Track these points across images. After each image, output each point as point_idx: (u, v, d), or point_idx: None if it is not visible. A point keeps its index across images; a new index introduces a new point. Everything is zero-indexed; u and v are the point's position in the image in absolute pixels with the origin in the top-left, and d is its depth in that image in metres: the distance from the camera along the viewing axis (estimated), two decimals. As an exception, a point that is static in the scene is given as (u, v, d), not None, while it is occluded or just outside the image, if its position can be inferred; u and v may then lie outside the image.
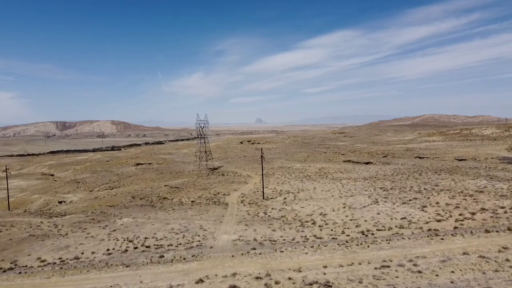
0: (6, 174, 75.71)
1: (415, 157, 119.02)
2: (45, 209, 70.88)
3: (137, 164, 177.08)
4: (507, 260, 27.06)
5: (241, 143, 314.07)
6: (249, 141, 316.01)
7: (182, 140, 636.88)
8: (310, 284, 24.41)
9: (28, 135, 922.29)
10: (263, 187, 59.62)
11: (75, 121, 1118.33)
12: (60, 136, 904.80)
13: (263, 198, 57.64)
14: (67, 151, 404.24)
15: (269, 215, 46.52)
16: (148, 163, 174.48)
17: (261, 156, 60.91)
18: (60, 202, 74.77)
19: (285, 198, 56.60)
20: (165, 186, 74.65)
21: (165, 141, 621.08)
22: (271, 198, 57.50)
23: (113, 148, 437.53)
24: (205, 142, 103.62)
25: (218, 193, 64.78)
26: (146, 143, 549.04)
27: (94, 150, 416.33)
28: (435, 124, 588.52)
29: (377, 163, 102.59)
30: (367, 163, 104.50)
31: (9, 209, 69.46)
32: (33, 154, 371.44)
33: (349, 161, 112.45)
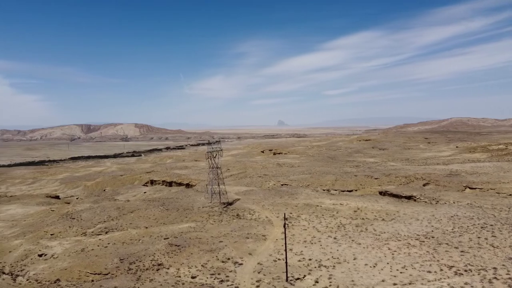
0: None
1: (465, 187, 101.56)
2: (18, 267, 58.13)
3: (150, 182, 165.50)
4: None
5: (262, 152, 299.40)
6: (271, 149, 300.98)
7: (203, 144, 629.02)
8: None
9: (54, 138, 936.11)
10: (286, 266, 44.59)
11: (99, 123, 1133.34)
12: (84, 139, 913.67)
13: (287, 278, 42.77)
14: (88, 157, 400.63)
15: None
16: (162, 181, 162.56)
17: (284, 224, 45.93)
18: (40, 256, 61.95)
19: (317, 281, 41.63)
20: (165, 239, 60.68)
21: (186, 145, 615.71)
22: (298, 279, 42.58)
23: (133, 154, 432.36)
24: (217, 174, 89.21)
25: (228, 259, 50.23)
26: (167, 148, 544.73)
27: (114, 156, 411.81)
28: (466, 130, 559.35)
29: (421, 198, 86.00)
30: (409, 198, 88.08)
31: (-26, 269, 57.03)
32: (53, 161, 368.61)
33: (386, 192, 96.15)
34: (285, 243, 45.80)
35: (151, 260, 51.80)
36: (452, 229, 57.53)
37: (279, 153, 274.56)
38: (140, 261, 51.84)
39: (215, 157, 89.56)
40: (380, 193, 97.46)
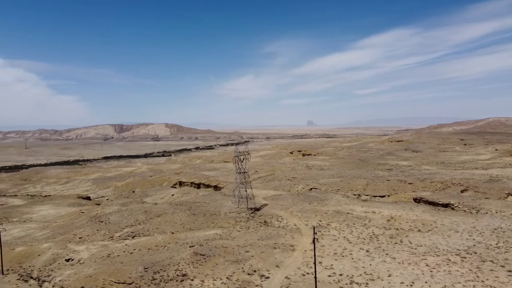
0: (0, 233, 63.96)
1: (507, 195, 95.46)
2: (45, 272, 58.19)
3: (179, 184, 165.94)
4: None
5: (291, 153, 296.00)
6: (300, 151, 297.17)
7: (232, 144, 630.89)
8: None
9: (88, 137, 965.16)
10: (315, 282, 42.03)
11: (131, 123, 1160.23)
12: (117, 138, 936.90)
13: (316, 296, 40.26)
14: (120, 157, 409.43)
15: None
16: (190, 183, 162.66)
17: (314, 239, 43.36)
18: (67, 260, 61.94)
19: (348, 301, 38.91)
20: (190, 247, 59.23)
21: (215, 145, 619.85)
22: (327, 297, 40.04)
23: (163, 154, 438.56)
24: (245, 178, 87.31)
25: (255, 271, 48.13)
26: (197, 148, 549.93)
27: (145, 156, 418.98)
28: (505, 131, 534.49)
29: (460, 206, 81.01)
30: (446, 206, 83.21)
31: (2, 273, 57.48)
32: (87, 160, 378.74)
33: (421, 199, 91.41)
34: (314, 261, 43.18)
35: (176, 270, 50.38)
36: (497, 243, 53.18)
37: (308, 155, 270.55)
38: (164, 271, 50.53)
39: (242, 161, 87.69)
40: (415, 200, 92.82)
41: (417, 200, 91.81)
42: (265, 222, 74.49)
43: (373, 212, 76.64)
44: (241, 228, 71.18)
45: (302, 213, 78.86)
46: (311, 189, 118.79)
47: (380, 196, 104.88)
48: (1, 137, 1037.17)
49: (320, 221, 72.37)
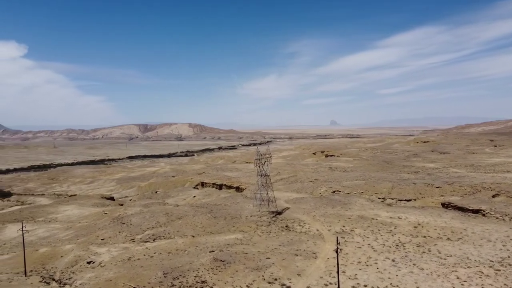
0: (23, 233, 64.65)
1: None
2: (67, 274, 58.45)
3: (201, 184, 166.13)
4: None
5: (314, 154, 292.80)
6: (323, 151, 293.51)
7: (254, 144, 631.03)
8: None
9: (114, 137, 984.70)
10: (338, 288, 40.27)
11: (155, 123, 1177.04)
12: (142, 138, 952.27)
13: (339, 309, 38.52)
14: (144, 157, 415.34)
15: None
16: (212, 184, 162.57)
17: (337, 249, 41.61)
18: (88, 263, 62.16)
19: (373, 315, 37.02)
20: (210, 252, 58.34)
21: (238, 145, 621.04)
22: (351, 310, 38.23)
23: (186, 154, 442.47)
24: (266, 181, 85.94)
25: (275, 279, 46.73)
26: (219, 148, 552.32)
27: (169, 156, 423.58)
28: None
29: (491, 212, 77.25)
30: (477, 212, 79.54)
31: (25, 274, 58.06)
32: (112, 160, 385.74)
33: (449, 204, 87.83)
34: (338, 272, 41.42)
35: (195, 276, 49.51)
36: (533, 255, 49.98)
37: (331, 155, 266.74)
38: (183, 277, 49.74)
39: (264, 164, 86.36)
40: (443, 205, 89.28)
41: (446, 205, 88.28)
42: (286, 226, 72.94)
43: (399, 218, 73.95)
44: (262, 233, 69.89)
45: (324, 218, 76.89)
46: (334, 192, 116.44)
47: (406, 200, 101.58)
48: (31, 136, 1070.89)
49: (344, 226, 70.30)
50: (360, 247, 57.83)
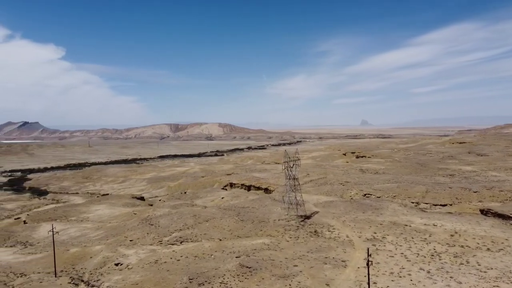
0: (53, 235, 65.74)
1: None
2: (95, 276, 59.01)
3: (230, 185, 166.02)
4: None
5: (344, 154, 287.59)
6: (353, 152, 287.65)
7: (284, 144, 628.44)
8: None
9: (146, 136, 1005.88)
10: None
11: (186, 123, 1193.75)
12: (173, 137, 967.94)
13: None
14: (174, 156, 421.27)
15: None
16: (240, 185, 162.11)
17: (368, 261, 39.56)
18: (116, 265, 62.56)
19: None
20: (237, 258, 57.36)
21: (267, 145, 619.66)
22: (383, 326, 36.16)
23: (216, 154, 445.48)
24: (295, 185, 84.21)
25: (303, 289, 45.15)
26: (249, 148, 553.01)
27: (199, 155, 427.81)
28: None
29: (536, 220, 72.46)
30: (520, 220, 74.76)
31: (55, 275, 58.98)
32: (144, 159, 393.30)
33: (489, 211, 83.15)
34: (368, 284, 39.40)
35: (220, 283, 48.63)
36: None
37: (362, 157, 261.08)
38: (208, 283, 48.97)
39: (292, 166, 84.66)
40: (482, 211, 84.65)
41: (484, 212, 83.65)
42: (315, 232, 71.02)
43: (434, 225, 70.50)
44: (290, 238, 68.30)
45: (355, 223, 74.41)
46: (365, 195, 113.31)
47: (441, 206, 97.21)
48: (68, 135, 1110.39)
49: (375, 233, 67.68)
50: (392, 256, 55.28)
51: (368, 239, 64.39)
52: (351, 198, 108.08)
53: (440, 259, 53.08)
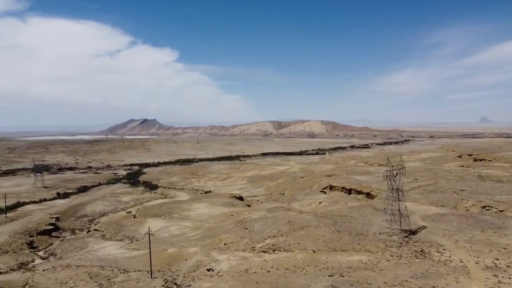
0: (149, 236, 68.21)
1: None
2: (187, 280, 59.75)
3: (329, 188, 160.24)
4: None
5: (459, 157, 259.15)
6: (470, 154, 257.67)
7: (390, 143, 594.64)
8: None
9: (249, 133, 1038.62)
10: None
11: (289, 121, 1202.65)
12: (275, 135, 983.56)
13: None
14: (276, 154, 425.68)
15: None
16: (341, 188, 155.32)
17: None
18: (208, 270, 62.75)
19: None
20: (329, 277, 52.93)
21: (371, 144, 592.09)
22: None
23: (317, 152, 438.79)
24: (398, 196, 76.10)
25: (403, 325, 39.17)
26: (352, 146, 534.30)
27: (300, 153, 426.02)
28: None
29: None
30: None
31: (151, 276, 61.07)
32: (247, 156, 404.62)
33: None
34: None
35: (309, 306, 44.96)
36: None
37: (481, 160, 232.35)
38: (297, 304, 45.64)
39: (395, 176, 76.72)
40: None
41: None
42: (421, 251, 62.90)
43: None
44: (391, 257, 61.44)
45: (471, 245, 64.25)
46: (484, 207, 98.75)
47: None
48: (180, 132, 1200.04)
49: (497, 259, 57.31)
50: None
51: (487, 267, 54.64)
52: (467, 211, 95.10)
53: None
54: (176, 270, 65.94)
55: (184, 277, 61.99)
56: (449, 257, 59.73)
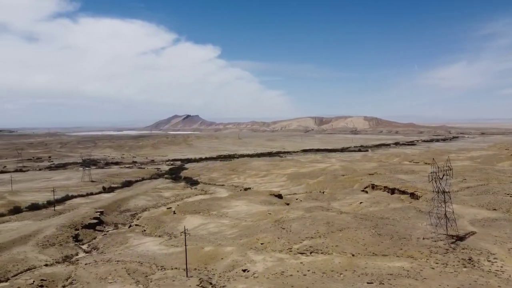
0: (185, 235, 68.28)
1: None
2: (222, 280, 59.36)
3: (371, 187, 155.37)
4: None
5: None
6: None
7: (437, 140, 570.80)
8: None
9: (291, 129, 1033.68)
10: None
11: (330, 116, 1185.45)
12: (317, 131, 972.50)
13: None
14: (317, 150, 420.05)
15: None
16: (383, 187, 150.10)
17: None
18: (243, 271, 62.07)
19: None
20: (368, 284, 50.58)
21: (417, 141, 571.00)
22: None
23: (360, 149, 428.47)
24: (445, 199, 71.76)
25: None
26: (396, 143, 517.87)
27: (342, 150, 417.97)
28: None
29: None
30: None
31: (186, 274, 61.22)
32: (287, 152, 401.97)
33: None
34: None
35: (346, 314, 43.04)
36: None
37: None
38: (333, 312, 43.86)
39: (442, 178, 72.42)
40: None
41: None
42: (469, 260, 58.85)
43: None
44: (436, 264, 57.92)
45: (526, 254, 59.35)
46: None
47: None
48: (222, 127, 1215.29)
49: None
50: None
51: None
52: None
53: None
54: (212, 269, 65.82)
55: (220, 277, 61.69)
56: (501, 267, 55.41)
